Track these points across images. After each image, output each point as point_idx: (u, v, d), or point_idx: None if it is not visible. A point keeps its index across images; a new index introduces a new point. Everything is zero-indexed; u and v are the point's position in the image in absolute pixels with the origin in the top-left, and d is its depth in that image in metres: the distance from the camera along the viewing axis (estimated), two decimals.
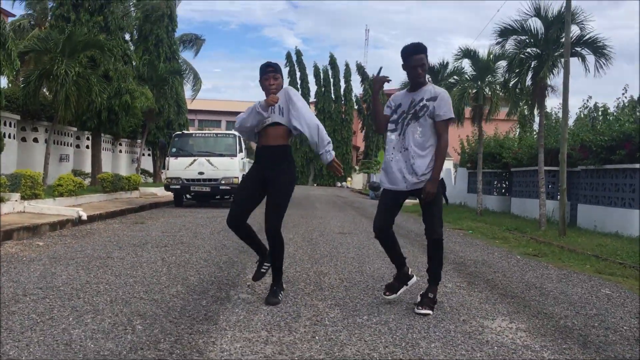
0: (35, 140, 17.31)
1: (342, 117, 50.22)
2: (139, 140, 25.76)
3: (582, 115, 15.74)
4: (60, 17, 17.55)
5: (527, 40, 12.08)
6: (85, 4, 17.63)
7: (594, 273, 6.75)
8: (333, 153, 4.65)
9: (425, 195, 4.32)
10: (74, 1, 17.56)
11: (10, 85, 16.94)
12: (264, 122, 4.57)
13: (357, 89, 51.20)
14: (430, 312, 4.34)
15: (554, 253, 8.35)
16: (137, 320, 3.88)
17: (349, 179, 48.48)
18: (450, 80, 17.61)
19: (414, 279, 4.77)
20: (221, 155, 15.73)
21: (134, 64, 21.23)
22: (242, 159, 16.10)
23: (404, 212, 16.68)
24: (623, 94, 13.63)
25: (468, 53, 15.99)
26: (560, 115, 13.14)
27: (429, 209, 4.42)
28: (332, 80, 50.32)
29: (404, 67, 4.50)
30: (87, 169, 20.13)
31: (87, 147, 21.04)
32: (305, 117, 4.52)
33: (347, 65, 50.87)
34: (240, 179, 15.42)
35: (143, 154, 26.30)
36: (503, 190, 18.51)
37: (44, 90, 16.18)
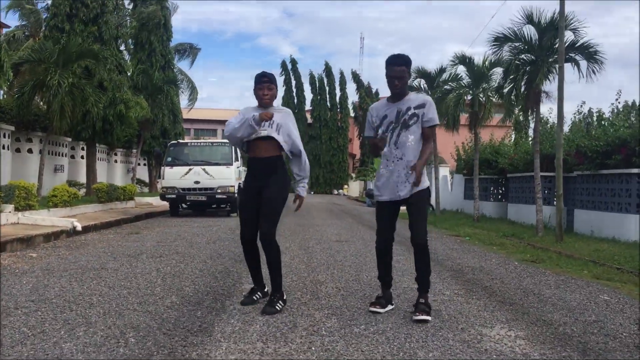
0: (30, 150, 17.23)
1: (338, 124, 50.24)
2: (134, 150, 25.69)
3: (577, 121, 15.78)
4: (54, 28, 17.50)
5: (521, 47, 12.09)
6: (79, 14, 17.60)
7: (592, 279, 6.71)
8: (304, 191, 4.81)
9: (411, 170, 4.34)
10: (68, 12, 17.52)
11: (4, 96, 16.89)
12: (255, 134, 4.57)
13: (353, 96, 51.29)
14: (428, 317, 4.32)
15: (551, 259, 8.31)
16: (130, 332, 3.82)
17: (345, 186, 48.44)
18: (445, 87, 17.63)
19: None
20: (217, 164, 15.68)
21: (128, 73, 21.20)
22: (237, 167, 16.05)
23: (401, 218, 16.64)
24: (617, 99, 13.68)
25: (463, 60, 16.01)
26: (555, 120, 13.16)
27: (415, 215, 4.47)
28: (327, 88, 50.38)
29: (386, 76, 4.51)
30: (82, 179, 20.03)
31: (82, 157, 20.97)
32: (299, 144, 4.70)
33: (342, 73, 50.99)
34: (236, 187, 15.38)
35: (138, 164, 26.23)
36: (499, 197, 18.50)
37: (38, 100, 16.11)
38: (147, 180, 28.36)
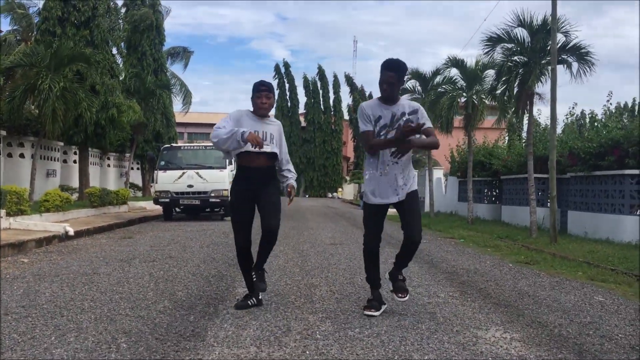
0: (22, 155, 17.12)
1: (332, 127, 50.23)
2: (127, 154, 25.58)
3: (570, 123, 15.83)
4: (45, 32, 17.42)
5: (514, 49, 12.12)
6: (71, 18, 17.53)
7: (587, 280, 6.70)
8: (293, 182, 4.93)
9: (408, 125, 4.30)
10: (60, 15, 17.44)
11: None
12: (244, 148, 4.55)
13: (346, 99, 51.31)
14: (406, 296, 4.64)
15: (545, 260, 8.31)
16: (122, 338, 3.77)
17: (339, 189, 48.43)
18: (439, 89, 17.65)
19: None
20: (210, 167, 15.62)
21: (120, 78, 21.12)
22: (231, 171, 15.98)
23: (395, 221, 16.64)
24: (608, 100, 13.72)
25: (456, 62, 16.04)
26: (546, 122, 13.18)
27: (411, 215, 4.53)
28: (320, 91, 50.39)
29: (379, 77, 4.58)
30: (75, 183, 19.92)
31: (75, 161, 20.86)
32: (286, 156, 4.90)
33: (335, 76, 50.96)
34: (229, 191, 15.29)
35: (132, 168, 26.11)
36: (493, 199, 18.52)
37: (30, 105, 16.02)
38: (140, 184, 28.23)
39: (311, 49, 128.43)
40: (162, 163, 15.87)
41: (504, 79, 12.61)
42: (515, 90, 12.38)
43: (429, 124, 4.51)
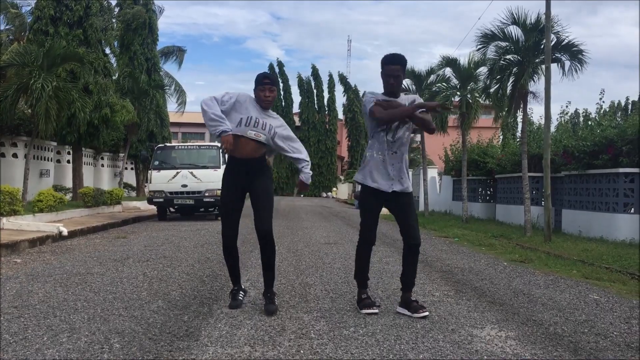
0: (15, 155, 17.01)
1: (326, 127, 50.22)
2: (121, 154, 25.49)
3: (563, 121, 15.86)
4: (38, 31, 17.32)
5: (507, 47, 12.14)
6: (64, 17, 17.43)
7: (581, 278, 6.71)
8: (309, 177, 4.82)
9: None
10: (52, 15, 17.35)
11: None
12: (250, 135, 4.52)
13: (341, 99, 51.34)
14: (426, 311, 4.47)
15: (540, 259, 8.32)
16: (115, 338, 3.74)
17: (334, 189, 48.41)
18: (434, 88, 17.65)
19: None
20: (204, 167, 15.58)
21: (113, 77, 21.02)
22: None
23: (390, 221, 16.62)
24: (601, 98, 13.75)
25: (450, 61, 16.05)
26: (541, 121, 13.20)
27: (408, 216, 4.55)
28: (315, 90, 50.39)
29: (381, 74, 4.60)
30: (68, 183, 19.82)
31: (68, 161, 20.75)
32: (299, 146, 4.79)
33: (330, 75, 50.97)
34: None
35: (126, 168, 26.02)
36: (488, 197, 18.55)
37: (23, 104, 15.93)
38: (134, 184, 28.14)
39: (305, 48, 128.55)
40: (156, 163, 15.80)
41: (497, 77, 12.62)
42: (510, 89, 12.41)
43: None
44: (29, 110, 15.32)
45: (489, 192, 18.58)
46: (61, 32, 17.23)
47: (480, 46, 12.51)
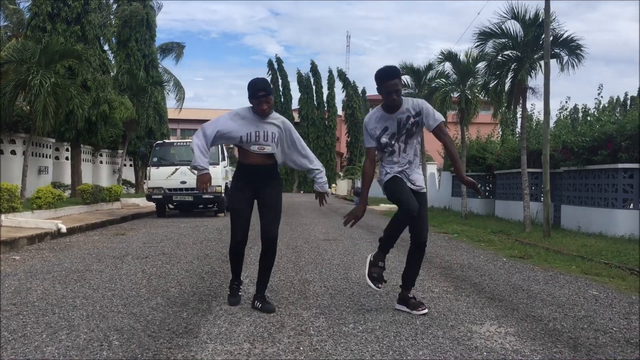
0: (13, 152, 16.99)
1: (326, 123, 50.21)
2: (120, 151, 25.45)
3: (562, 117, 15.86)
4: (36, 28, 17.27)
5: (507, 43, 12.12)
6: (61, 13, 17.38)
7: (580, 274, 6.71)
8: (325, 186, 4.85)
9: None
10: (50, 11, 17.29)
11: None
12: (258, 149, 4.51)
13: (340, 94, 51.32)
14: (426, 308, 4.47)
15: (539, 255, 8.31)
16: (114, 335, 3.74)
17: (333, 185, 48.40)
18: (433, 84, 17.63)
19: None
20: None
21: (112, 74, 20.99)
22: (224, 167, 15.93)
23: (389, 216, 16.62)
24: (599, 93, 13.73)
25: (449, 56, 16.02)
26: (540, 117, 13.20)
27: (420, 218, 4.46)
28: (314, 87, 50.35)
29: (378, 90, 4.47)
30: (67, 180, 19.80)
31: (67, 158, 20.72)
32: (304, 151, 4.71)
33: (330, 72, 50.99)
34: (223, 187, 15.26)
35: (124, 164, 25.98)
36: (487, 193, 18.54)
37: (21, 101, 15.89)
38: (133, 181, 28.11)
39: (304, 44, 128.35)
40: (155, 159, 15.79)
41: (496, 73, 12.61)
42: (509, 84, 12.40)
43: (437, 119, 4.43)
44: (27, 107, 15.29)
45: (488, 188, 18.57)
46: (59, 28, 17.18)
47: (478, 44, 12.50)
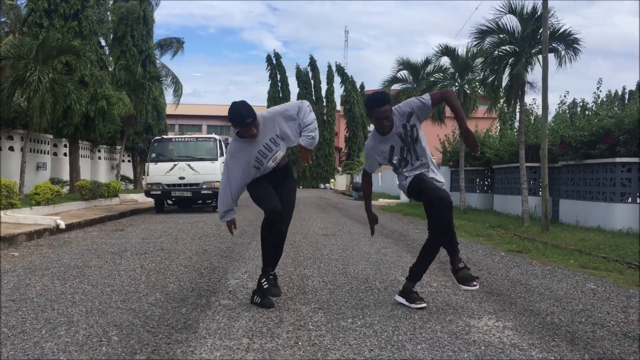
0: (11, 148, 16.99)
1: (324, 118, 50.13)
2: (118, 147, 25.45)
3: (561, 111, 15.84)
4: (33, 24, 17.23)
5: (504, 38, 12.10)
6: (59, 9, 17.33)
7: (578, 268, 6.72)
8: (310, 141, 4.43)
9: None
10: (47, 7, 17.24)
11: None
12: (268, 166, 4.49)
13: (338, 89, 51.24)
14: (424, 302, 4.48)
15: (537, 249, 8.33)
16: (113, 330, 3.75)
17: (332, 180, 48.41)
18: (430, 79, 17.60)
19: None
20: (202, 159, 15.57)
21: (110, 69, 20.94)
22: (223, 162, 15.91)
23: (388, 211, 16.65)
24: (598, 87, 13.71)
25: (447, 51, 16.00)
26: (539, 112, 13.20)
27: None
28: (312, 82, 50.27)
29: (369, 116, 4.44)
30: (66, 176, 19.80)
31: (65, 154, 20.72)
32: (303, 120, 4.45)
33: (329, 66, 50.85)
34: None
35: (123, 160, 25.98)
36: (485, 188, 18.56)
37: (19, 97, 15.87)
38: (131, 176, 28.12)
39: (302, 39, 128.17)
40: (153, 155, 15.78)
41: (495, 67, 12.60)
42: (507, 79, 12.40)
43: (427, 101, 4.37)
44: (25, 103, 15.27)
45: (486, 183, 18.59)
46: (56, 24, 17.14)
47: (476, 42, 12.51)
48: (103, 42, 21.62)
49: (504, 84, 12.62)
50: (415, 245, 8.37)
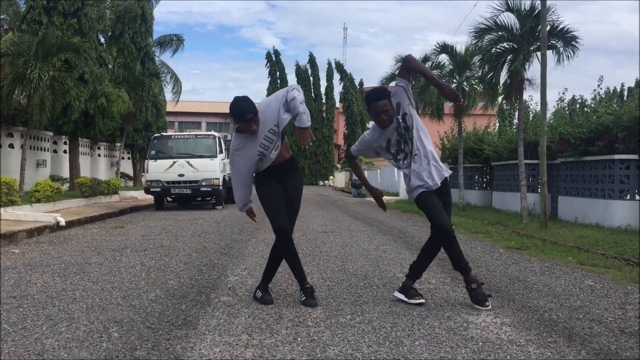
0: (11, 146, 16.99)
1: (323, 115, 50.14)
2: (117, 144, 25.45)
3: (560, 108, 15.87)
4: (32, 21, 17.21)
5: (502, 35, 12.11)
6: (58, 7, 17.31)
7: (577, 264, 6.75)
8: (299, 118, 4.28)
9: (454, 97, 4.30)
10: (46, 4, 17.22)
11: None
12: (269, 158, 4.44)
13: (337, 86, 51.23)
14: (423, 298, 4.51)
15: (536, 246, 8.35)
16: (114, 327, 3.77)
17: (331, 177, 48.41)
18: None
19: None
20: (201, 156, 15.57)
21: (109, 66, 20.94)
22: (222, 159, 15.94)
23: (388, 208, 16.65)
24: (599, 84, 13.73)
25: (445, 48, 15.99)
26: (536, 108, 13.21)
27: (446, 207, 4.51)
28: (311, 79, 50.25)
29: (369, 111, 4.53)
30: (65, 174, 19.81)
31: (65, 151, 20.73)
32: (291, 105, 4.29)
33: (328, 63, 50.84)
34: (220, 180, 15.31)
35: (122, 157, 25.98)
36: (484, 185, 18.58)
37: (19, 94, 15.87)
38: (131, 173, 28.12)
39: (301, 36, 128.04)
40: (153, 152, 15.80)
41: (493, 64, 12.61)
42: (506, 76, 12.41)
43: (396, 81, 4.44)
44: (25, 101, 15.27)
45: (485, 180, 18.61)
46: (55, 21, 17.12)
47: (474, 41, 12.53)
48: (102, 40, 21.64)
49: (502, 81, 12.64)
50: (414, 242, 8.40)
